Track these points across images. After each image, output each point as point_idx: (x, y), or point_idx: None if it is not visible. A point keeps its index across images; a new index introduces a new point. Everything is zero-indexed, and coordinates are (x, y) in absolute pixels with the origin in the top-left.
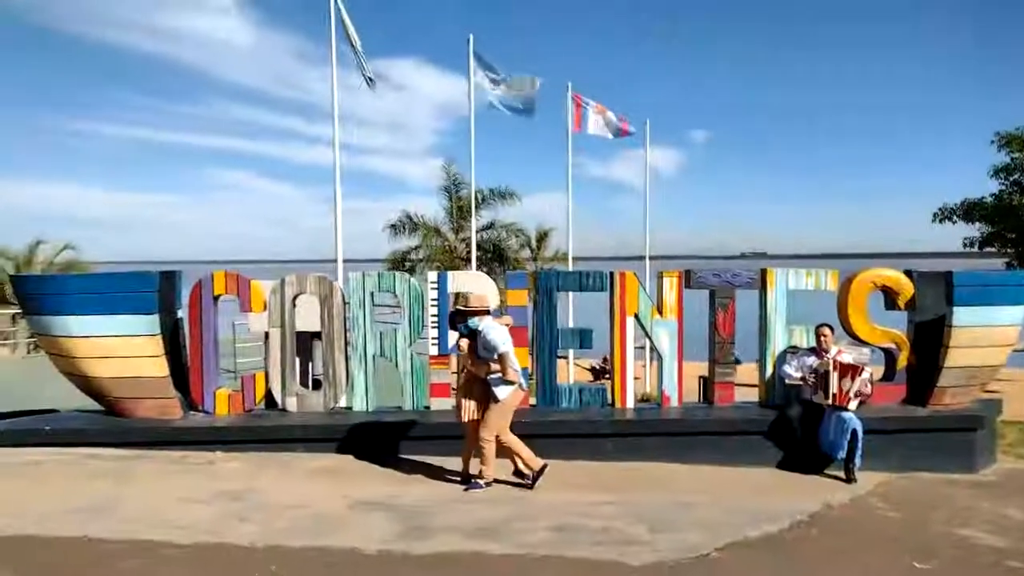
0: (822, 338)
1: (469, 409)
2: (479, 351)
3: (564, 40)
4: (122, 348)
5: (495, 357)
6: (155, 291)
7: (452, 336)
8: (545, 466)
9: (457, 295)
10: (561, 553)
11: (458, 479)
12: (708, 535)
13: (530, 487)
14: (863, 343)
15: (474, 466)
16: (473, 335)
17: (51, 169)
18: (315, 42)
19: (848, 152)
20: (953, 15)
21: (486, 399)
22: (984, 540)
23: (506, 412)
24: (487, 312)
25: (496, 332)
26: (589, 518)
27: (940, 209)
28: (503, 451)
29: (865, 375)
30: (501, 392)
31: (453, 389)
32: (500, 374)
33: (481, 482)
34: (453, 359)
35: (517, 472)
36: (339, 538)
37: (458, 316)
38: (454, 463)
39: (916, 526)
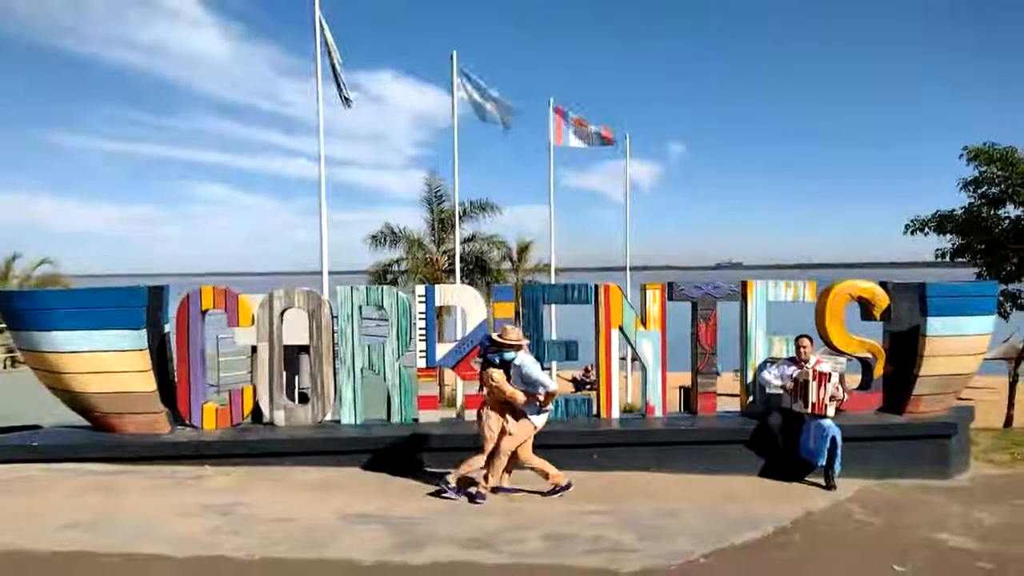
0: (801, 349)
1: (499, 429)
2: (514, 382)
3: (545, 55)
4: (110, 363)
5: (536, 389)
6: (143, 306)
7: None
8: (570, 484)
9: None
10: (553, 561)
11: (543, 490)
12: (695, 542)
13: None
14: (840, 352)
15: (473, 466)
16: (504, 366)
17: (25, 181)
18: (294, 55)
19: (822, 162)
20: (932, 22)
21: (511, 420)
22: (957, 543)
23: (531, 433)
24: (520, 347)
25: (535, 368)
26: (579, 527)
27: (912, 221)
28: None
29: (835, 379)
30: (539, 420)
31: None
32: (538, 403)
33: (482, 490)
34: (446, 372)
35: (462, 482)
36: (333, 550)
37: (493, 346)
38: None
39: (893, 530)
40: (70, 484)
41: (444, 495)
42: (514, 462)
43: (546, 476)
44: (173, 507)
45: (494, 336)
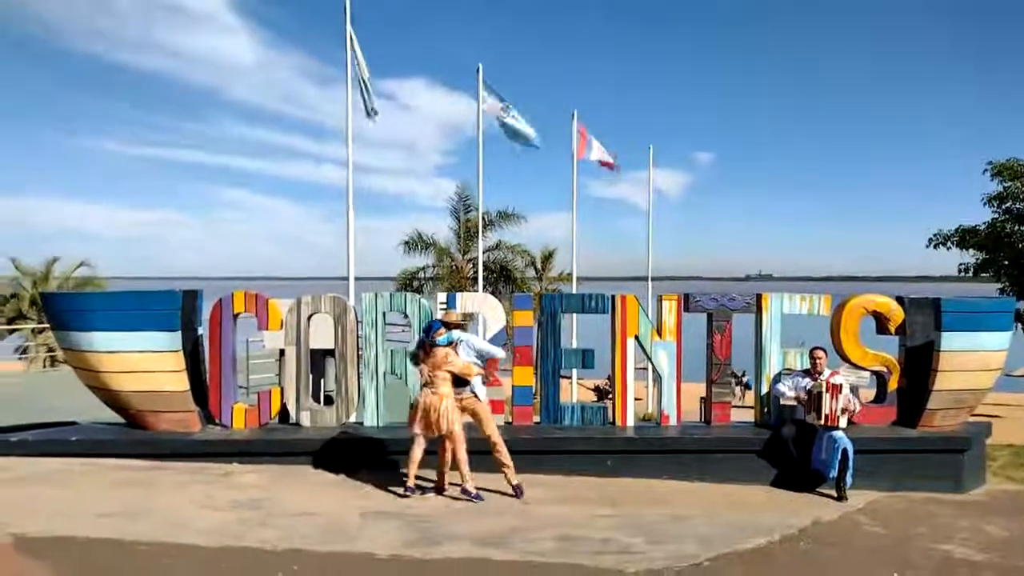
0: (817, 361)
1: (454, 421)
2: (463, 356)
3: (572, 64)
4: (146, 363)
5: (488, 357)
6: (178, 309)
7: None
8: (479, 496)
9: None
10: (563, 560)
11: (457, 485)
12: (702, 546)
13: (477, 499)
14: (856, 366)
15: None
16: (451, 346)
17: (57, 186)
18: (321, 62)
19: (857, 175)
20: (957, 43)
21: (456, 410)
22: (962, 554)
23: (489, 412)
24: (464, 326)
25: (477, 339)
26: (590, 529)
27: (935, 235)
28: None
29: (846, 391)
30: (482, 392)
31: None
32: (482, 376)
33: (481, 493)
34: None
35: (438, 488)
36: (354, 544)
37: (444, 328)
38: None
39: (900, 541)
40: (106, 477)
41: (468, 498)
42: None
43: (463, 478)
44: (203, 501)
45: (442, 318)
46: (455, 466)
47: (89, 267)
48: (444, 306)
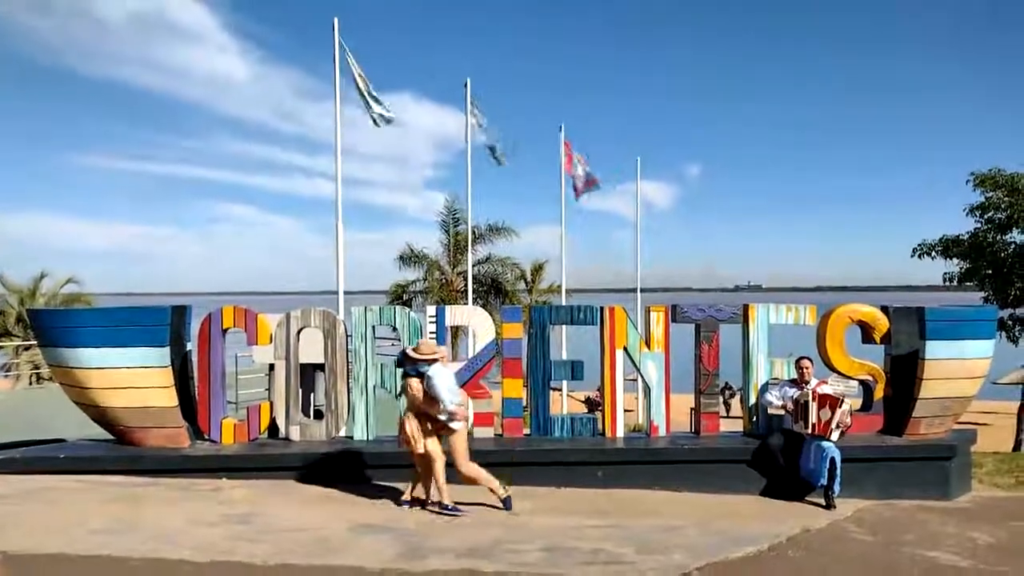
0: (803, 370)
1: (422, 442)
2: (428, 391)
3: (560, 77)
4: (135, 379)
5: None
6: (167, 324)
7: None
8: (457, 509)
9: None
10: (550, 571)
11: (435, 501)
12: (691, 556)
13: (455, 513)
14: (843, 375)
15: (435, 493)
16: (421, 377)
17: (50, 202)
18: (314, 78)
19: (844, 186)
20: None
21: (435, 431)
22: (949, 561)
23: (464, 437)
24: (435, 360)
25: (441, 383)
26: (579, 540)
27: (919, 245)
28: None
29: (845, 406)
30: (457, 426)
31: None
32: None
33: (460, 507)
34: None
35: (415, 499)
36: (343, 557)
37: (407, 360)
38: (451, 490)
39: (887, 548)
40: (95, 494)
41: (447, 513)
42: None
43: (439, 491)
44: (193, 516)
45: (408, 351)
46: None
47: (77, 283)
48: (433, 319)
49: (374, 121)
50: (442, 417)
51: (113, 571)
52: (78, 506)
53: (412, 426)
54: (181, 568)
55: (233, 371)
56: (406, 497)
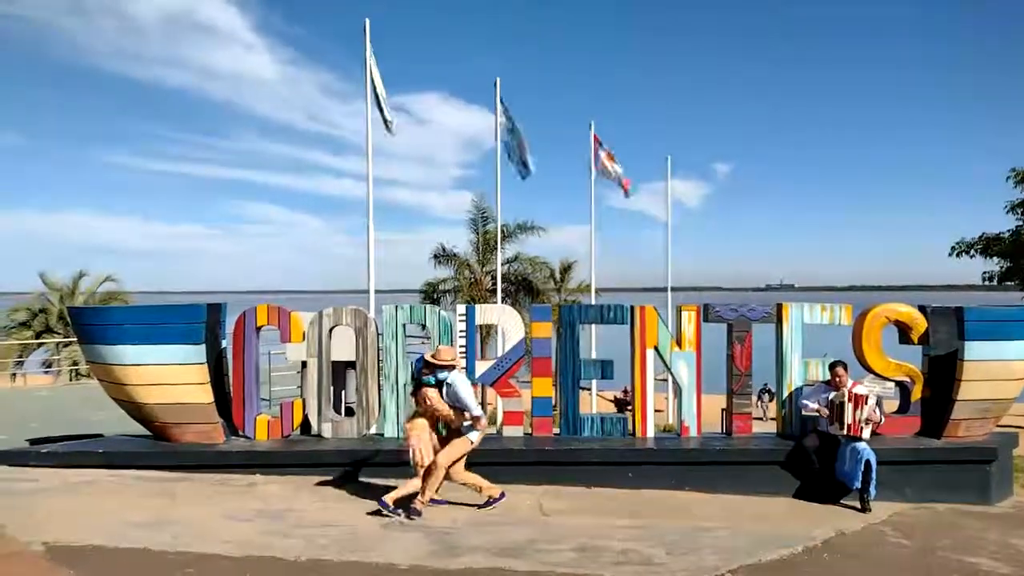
0: (836, 378)
1: (431, 457)
2: (446, 401)
3: (589, 75)
4: (171, 376)
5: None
6: (203, 322)
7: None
8: (503, 494)
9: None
10: (581, 571)
11: (479, 503)
12: (722, 558)
13: (414, 515)
14: (879, 376)
15: (410, 487)
16: (439, 385)
17: (85, 201)
18: (341, 78)
19: (881, 183)
20: (982, 55)
21: (445, 441)
22: (988, 567)
23: (469, 446)
24: (453, 367)
25: (464, 390)
26: (610, 540)
27: (957, 243)
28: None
29: (872, 402)
30: (474, 436)
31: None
32: (471, 423)
33: (419, 506)
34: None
35: (399, 502)
36: (375, 554)
37: (426, 368)
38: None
39: (923, 553)
40: (132, 488)
41: (383, 513)
42: (447, 478)
43: (479, 490)
44: (228, 511)
45: (427, 357)
46: (461, 480)
47: (114, 282)
48: (463, 317)
49: (386, 126)
50: (465, 424)
51: (152, 564)
52: (116, 500)
53: (421, 442)
54: (218, 562)
55: (267, 368)
56: (389, 499)
